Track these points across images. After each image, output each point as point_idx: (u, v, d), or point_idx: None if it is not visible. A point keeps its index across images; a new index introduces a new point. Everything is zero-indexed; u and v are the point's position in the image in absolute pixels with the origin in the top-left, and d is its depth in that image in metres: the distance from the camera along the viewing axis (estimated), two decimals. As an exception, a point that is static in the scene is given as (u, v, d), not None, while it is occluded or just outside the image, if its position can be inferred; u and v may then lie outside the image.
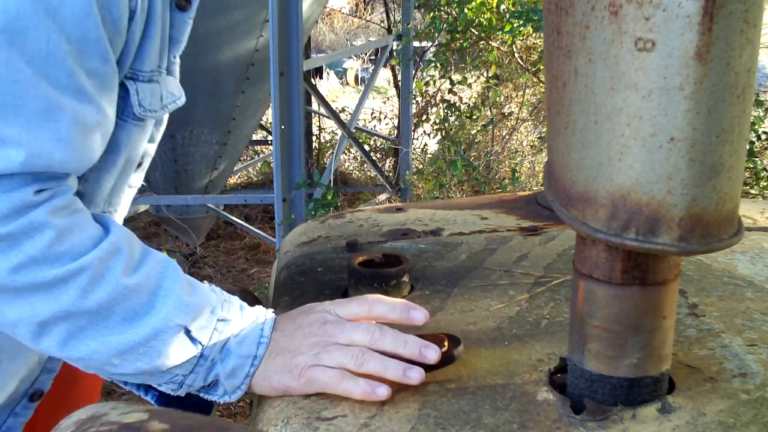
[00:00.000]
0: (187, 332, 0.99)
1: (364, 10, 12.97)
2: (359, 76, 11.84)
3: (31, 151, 0.91)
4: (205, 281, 1.07)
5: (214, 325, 1.00)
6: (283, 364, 0.99)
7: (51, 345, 0.97)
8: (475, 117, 5.68)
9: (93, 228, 0.98)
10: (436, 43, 5.65)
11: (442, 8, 4.99)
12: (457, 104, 5.48)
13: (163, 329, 0.97)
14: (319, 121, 7.64)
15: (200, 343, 0.99)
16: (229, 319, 1.02)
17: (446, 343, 1.01)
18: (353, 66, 12.01)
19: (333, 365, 0.97)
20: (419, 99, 6.36)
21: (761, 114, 4.43)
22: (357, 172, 7.64)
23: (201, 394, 1.05)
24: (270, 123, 6.12)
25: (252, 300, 1.53)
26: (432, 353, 0.96)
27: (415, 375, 0.94)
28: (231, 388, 1.01)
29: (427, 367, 0.98)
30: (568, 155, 0.81)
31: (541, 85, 5.42)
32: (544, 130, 4.93)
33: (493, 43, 4.90)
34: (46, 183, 0.95)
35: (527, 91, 5.96)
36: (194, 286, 1.03)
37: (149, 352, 0.97)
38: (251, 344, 1.02)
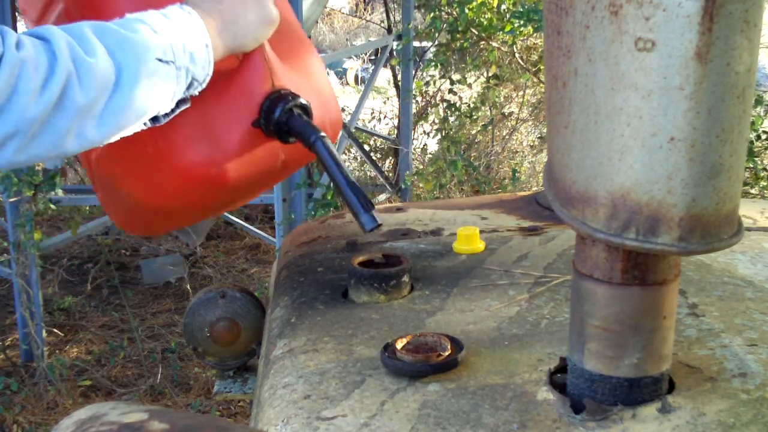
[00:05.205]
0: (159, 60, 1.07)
1: (364, 10, 12.97)
2: (359, 76, 11.82)
3: None
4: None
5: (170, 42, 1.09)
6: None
7: None
8: (475, 117, 5.67)
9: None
10: (436, 43, 5.64)
11: (442, 8, 4.98)
12: (457, 104, 5.48)
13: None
14: (319, 121, 7.61)
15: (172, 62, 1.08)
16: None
17: (450, 347, 1.01)
18: (353, 66, 12.00)
19: None
20: (419, 99, 6.35)
21: (761, 113, 4.42)
22: (357, 172, 7.63)
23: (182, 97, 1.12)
24: (270, 123, 6.10)
25: (252, 301, 1.53)
26: None
27: None
28: (202, 75, 1.11)
29: (431, 370, 0.98)
30: (568, 155, 0.81)
31: (541, 85, 5.42)
32: (544, 130, 4.93)
33: (494, 43, 4.90)
34: None
35: (527, 91, 5.96)
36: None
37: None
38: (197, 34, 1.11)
